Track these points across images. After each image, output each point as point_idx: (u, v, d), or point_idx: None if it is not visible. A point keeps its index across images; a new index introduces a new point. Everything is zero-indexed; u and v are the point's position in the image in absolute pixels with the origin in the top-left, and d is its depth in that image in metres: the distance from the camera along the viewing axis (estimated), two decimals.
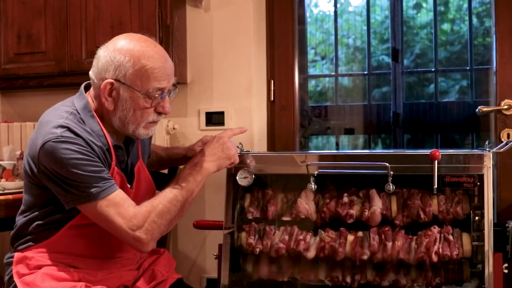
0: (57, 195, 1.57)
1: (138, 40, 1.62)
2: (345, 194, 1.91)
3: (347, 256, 1.85)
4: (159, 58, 1.61)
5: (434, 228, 1.80)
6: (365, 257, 1.82)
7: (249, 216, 1.97)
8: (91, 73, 1.66)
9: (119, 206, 1.54)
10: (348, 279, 1.87)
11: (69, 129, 1.55)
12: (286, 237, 1.91)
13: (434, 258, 1.76)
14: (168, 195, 1.61)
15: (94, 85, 1.65)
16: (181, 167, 2.31)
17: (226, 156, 1.76)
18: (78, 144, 1.53)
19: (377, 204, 1.85)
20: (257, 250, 1.91)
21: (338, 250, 1.84)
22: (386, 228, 1.84)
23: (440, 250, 1.76)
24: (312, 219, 1.92)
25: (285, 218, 1.95)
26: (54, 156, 1.52)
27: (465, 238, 1.78)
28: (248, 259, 2.00)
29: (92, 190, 1.52)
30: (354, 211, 1.86)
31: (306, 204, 1.91)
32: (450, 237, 1.78)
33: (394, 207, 1.85)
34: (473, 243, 1.77)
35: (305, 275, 1.92)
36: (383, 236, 1.82)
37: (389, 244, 1.80)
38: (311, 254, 1.88)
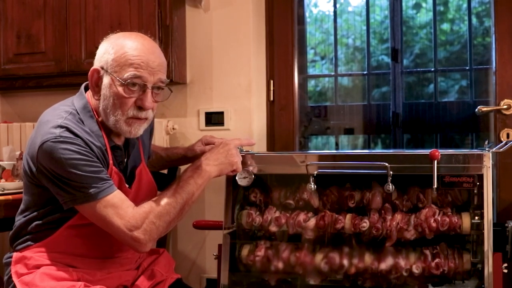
0: (55, 195, 1.57)
1: (129, 34, 1.64)
2: (347, 183, 1.94)
3: (346, 231, 1.86)
4: (144, 49, 1.59)
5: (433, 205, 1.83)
6: (364, 225, 1.82)
7: (253, 198, 1.98)
8: None
9: (117, 206, 1.54)
10: (346, 262, 1.86)
11: (68, 129, 1.55)
12: (288, 214, 1.93)
13: (433, 224, 1.77)
14: (167, 197, 1.61)
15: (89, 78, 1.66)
16: (181, 167, 2.31)
17: (229, 162, 1.76)
18: (77, 144, 1.53)
19: (378, 189, 1.88)
20: (257, 220, 1.92)
21: (338, 218, 1.86)
22: (386, 205, 1.86)
23: (439, 218, 1.78)
24: (314, 205, 1.94)
25: (288, 201, 1.96)
26: (52, 156, 1.51)
27: (464, 215, 1.79)
28: (244, 246, 1.99)
29: (91, 190, 1.52)
30: (355, 194, 1.90)
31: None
32: (449, 213, 1.80)
33: (394, 193, 1.86)
34: (472, 220, 1.78)
35: (302, 255, 1.91)
36: (383, 211, 1.85)
37: (389, 217, 1.82)
38: (311, 223, 1.89)
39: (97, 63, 1.63)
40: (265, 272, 1.97)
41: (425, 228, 1.78)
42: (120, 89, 1.58)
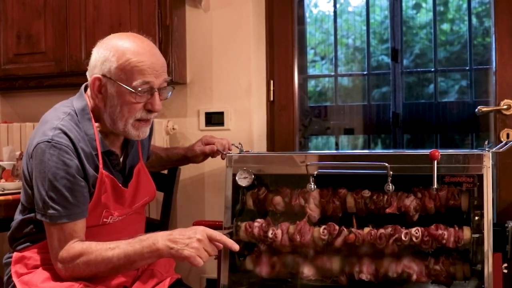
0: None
1: (126, 37, 1.63)
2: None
3: (348, 201, 1.87)
4: (145, 53, 1.59)
5: None
6: (366, 192, 1.85)
7: (256, 183, 1.99)
8: (87, 73, 1.67)
9: (66, 233, 1.55)
10: (345, 228, 1.85)
11: (62, 131, 1.56)
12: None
13: (433, 191, 1.78)
14: (108, 252, 1.55)
15: (89, 84, 1.66)
16: (182, 167, 2.31)
17: (180, 254, 1.53)
18: (65, 152, 1.54)
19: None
20: (261, 193, 1.94)
21: (340, 189, 1.88)
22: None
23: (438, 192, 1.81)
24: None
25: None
26: (41, 158, 1.53)
27: (463, 196, 1.80)
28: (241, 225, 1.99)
29: (49, 212, 1.54)
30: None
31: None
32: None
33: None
34: (470, 199, 1.79)
35: (302, 223, 1.89)
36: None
37: (389, 194, 1.84)
38: (314, 192, 1.89)
39: (97, 70, 1.61)
40: (262, 241, 1.93)
41: (424, 192, 1.80)
42: (129, 96, 1.59)
